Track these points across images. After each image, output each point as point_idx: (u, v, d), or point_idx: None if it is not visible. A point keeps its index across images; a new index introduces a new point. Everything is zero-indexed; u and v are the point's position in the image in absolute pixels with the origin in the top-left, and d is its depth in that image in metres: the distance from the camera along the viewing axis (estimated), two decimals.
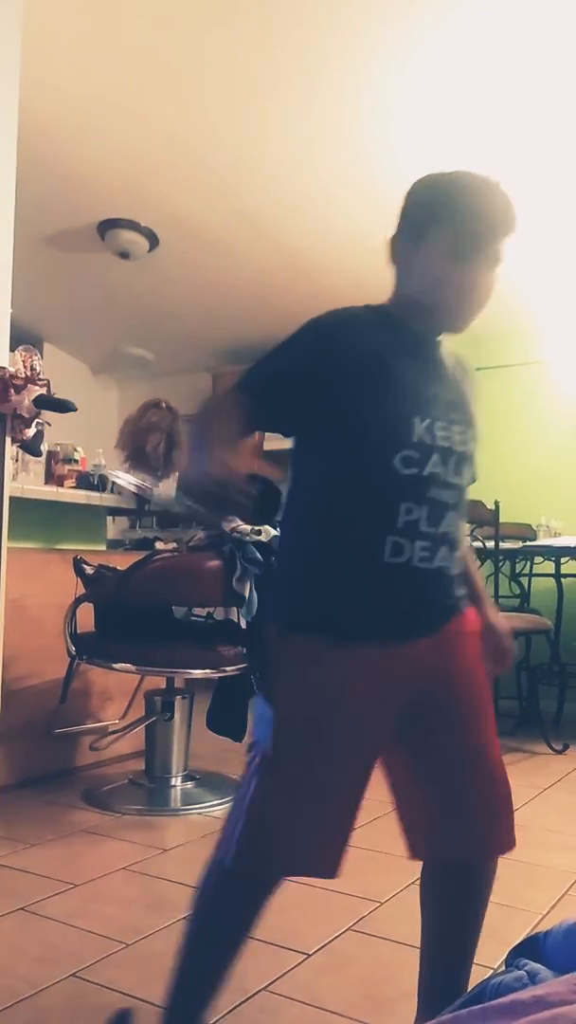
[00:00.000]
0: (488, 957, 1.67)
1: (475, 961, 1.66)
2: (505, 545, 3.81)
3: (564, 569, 4.28)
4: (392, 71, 2.93)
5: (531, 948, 0.75)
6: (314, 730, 1.20)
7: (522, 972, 0.68)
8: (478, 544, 3.88)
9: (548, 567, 4.27)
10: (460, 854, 1.33)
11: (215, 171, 3.50)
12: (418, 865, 2.22)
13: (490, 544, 3.70)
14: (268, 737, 1.21)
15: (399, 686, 1.23)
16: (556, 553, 4.06)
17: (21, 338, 3.54)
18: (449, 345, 1.34)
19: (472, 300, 1.26)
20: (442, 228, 1.24)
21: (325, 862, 1.24)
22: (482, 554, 3.96)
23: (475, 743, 1.29)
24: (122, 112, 3.23)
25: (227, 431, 1.20)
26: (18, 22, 2.42)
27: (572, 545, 3.94)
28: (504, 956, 1.25)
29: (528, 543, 4.14)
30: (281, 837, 1.22)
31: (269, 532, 2.92)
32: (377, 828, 2.55)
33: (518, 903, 2.00)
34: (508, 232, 1.26)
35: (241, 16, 2.72)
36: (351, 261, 4.28)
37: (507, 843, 1.34)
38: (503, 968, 0.77)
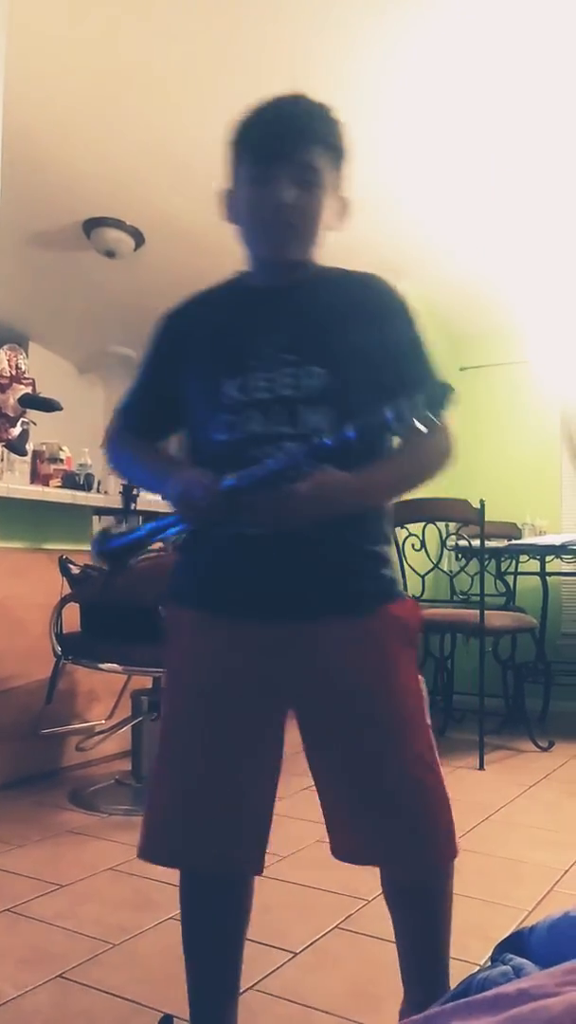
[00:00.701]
0: (473, 953, 1.68)
1: (461, 958, 1.67)
2: (490, 544, 3.82)
3: (549, 567, 4.31)
4: (375, 71, 2.93)
5: (516, 943, 0.76)
6: (172, 701, 1.22)
7: (507, 967, 0.68)
8: (464, 543, 3.90)
9: (533, 565, 4.29)
10: (360, 861, 1.25)
11: (199, 171, 3.49)
12: None
13: (476, 543, 3.71)
14: (163, 700, 1.29)
15: (263, 666, 1.16)
16: (541, 552, 4.08)
17: (6, 337, 3.53)
18: (326, 274, 1.22)
19: (280, 220, 1.13)
20: (238, 157, 1.17)
21: (218, 855, 1.19)
22: (468, 553, 3.97)
23: (367, 752, 1.17)
24: (106, 112, 3.22)
25: (143, 450, 1.27)
26: (2, 23, 2.41)
27: (557, 544, 3.97)
28: (490, 952, 1.26)
29: (513, 542, 4.16)
30: (154, 822, 1.20)
31: None
32: None
33: (504, 899, 2.01)
34: (305, 140, 1.14)
35: (222, 18, 2.72)
36: (334, 260, 4.29)
37: (419, 860, 1.21)
38: (489, 964, 0.77)
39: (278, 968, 1.64)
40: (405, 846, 1.19)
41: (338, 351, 1.15)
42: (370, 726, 1.16)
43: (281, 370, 1.13)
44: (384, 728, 1.16)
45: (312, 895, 2.02)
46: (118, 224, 4.05)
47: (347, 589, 1.15)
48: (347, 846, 1.22)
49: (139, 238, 4.12)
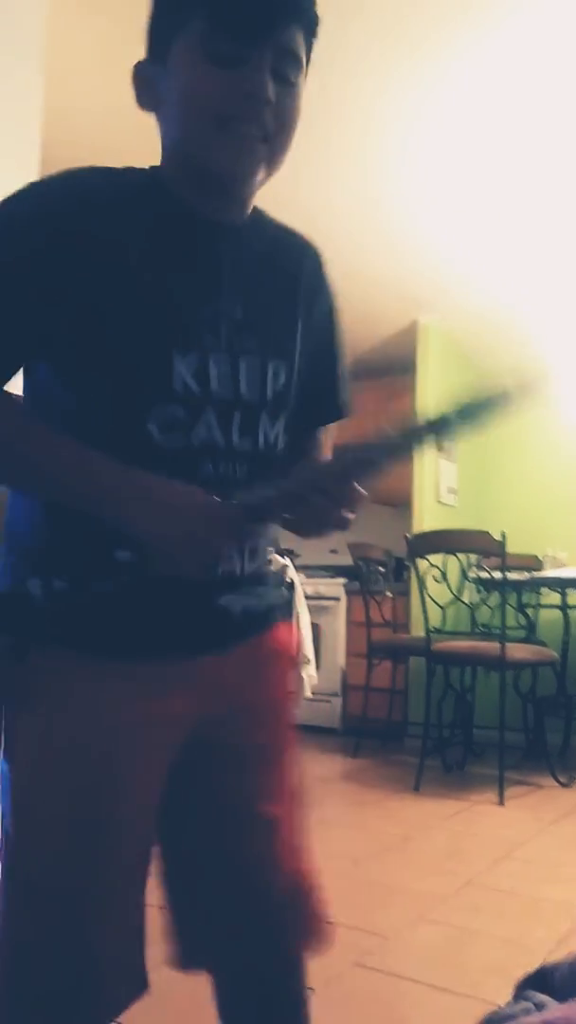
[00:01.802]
0: (493, 993, 1.65)
1: (480, 996, 1.64)
2: (511, 576, 3.80)
3: (570, 600, 4.27)
4: (401, 111, 2.99)
5: (539, 981, 0.76)
6: (62, 782, 0.80)
7: (529, 1004, 0.68)
8: (485, 575, 3.89)
9: (555, 598, 4.26)
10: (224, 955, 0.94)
11: None
12: (425, 899, 2.21)
13: (496, 575, 3.70)
14: (4, 805, 0.81)
15: (176, 721, 0.85)
16: (562, 584, 4.06)
17: None
18: (261, 228, 0.91)
19: (248, 119, 0.79)
20: (190, 19, 0.78)
21: (120, 990, 0.83)
22: (489, 585, 3.96)
23: (261, 810, 0.92)
24: (142, 152, 3.29)
25: (45, 435, 0.80)
26: (41, 64, 2.48)
27: None
28: (510, 992, 1.25)
29: (534, 574, 4.14)
30: (61, 974, 0.79)
31: (277, 560, 2.93)
32: (382, 861, 2.54)
33: (524, 938, 1.98)
34: (292, 13, 0.80)
35: None
36: (359, 293, 4.34)
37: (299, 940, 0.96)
38: (511, 1002, 0.77)
39: None
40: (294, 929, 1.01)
41: (295, 344, 0.91)
42: (281, 773, 1.00)
43: (243, 360, 0.84)
44: (286, 774, 1.01)
45: (329, 930, 2.00)
46: None
47: (260, 605, 0.93)
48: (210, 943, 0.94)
49: None
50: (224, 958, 0.93)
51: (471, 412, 0.82)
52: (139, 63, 0.84)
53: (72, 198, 0.79)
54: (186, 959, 0.91)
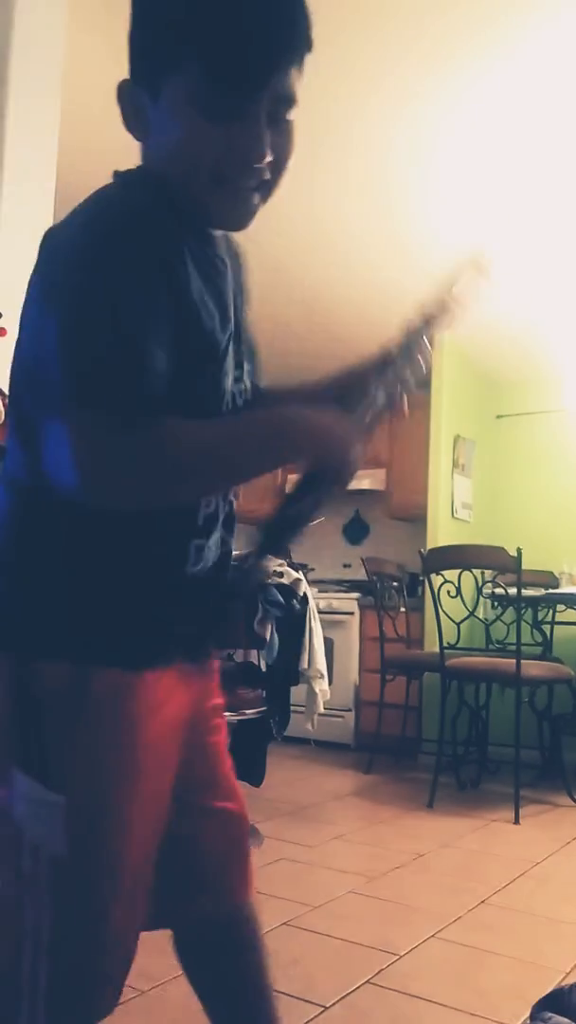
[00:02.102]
0: (508, 1015, 1.63)
1: (495, 1018, 1.62)
2: (527, 592, 3.78)
3: None
4: (419, 122, 3.00)
5: (556, 1002, 0.75)
6: (115, 812, 0.83)
7: None
8: (500, 591, 3.87)
9: (571, 615, 4.23)
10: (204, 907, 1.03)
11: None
12: (442, 918, 2.19)
13: (512, 591, 3.68)
14: (52, 837, 0.81)
15: (186, 719, 0.93)
16: None
17: None
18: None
19: (246, 175, 0.79)
20: (183, 64, 0.75)
21: (118, 988, 0.90)
22: (504, 601, 3.94)
23: (216, 795, 1.02)
24: None
25: (207, 425, 0.82)
26: (58, 81, 2.52)
27: None
28: (526, 1014, 1.23)
29: (550, 591, 4.12)
30: (107, 970, 0.87)
31: (291, 575, 2.93)
32: (396, 878, 2.52)
33: (540, 959, 1.95)
34: (290, 53, 0.77)
35: None
36: (372, 306, 4.35)
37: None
38: (527, 1023, 0.76)
39: (308, 1022, 1.61)
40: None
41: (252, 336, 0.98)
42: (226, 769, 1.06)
43: (243, 370, 0.91)
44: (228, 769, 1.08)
45: (343, 947, 1.98)
46: None
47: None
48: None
49: None
50: (183, 913, 1.02)
51: (439, 308, 0.93)
52: (126, 86, 0.81)
53: (160, 228, 0.77)
54: (150, 921, 0.96)
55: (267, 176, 0.80)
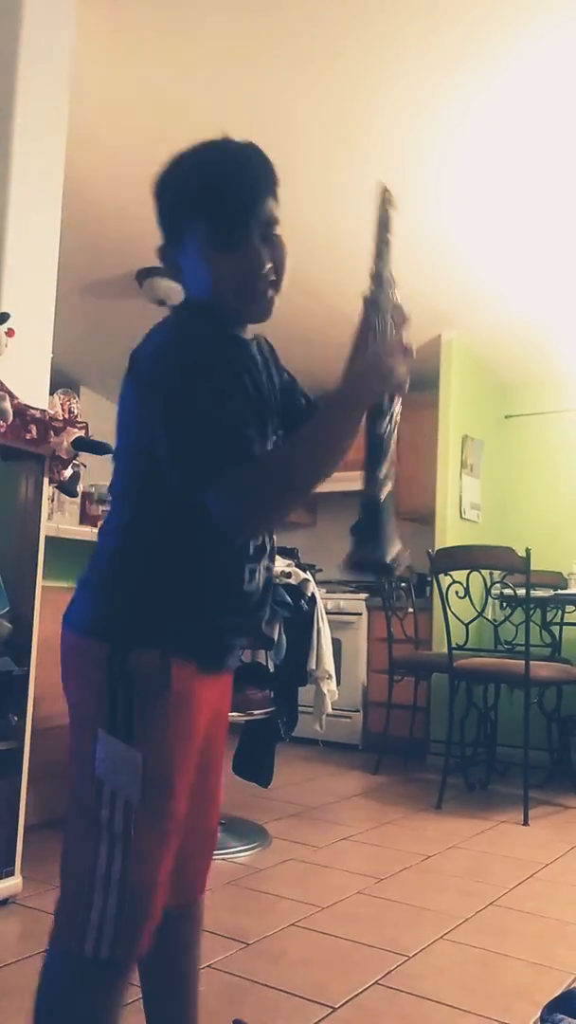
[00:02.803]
0: (518, 1017, 1.62)
1: (505, 1020, 1.62)
2: (536, 593, 3.77)
3: None
4: (423, 122, 3.00)
5: (567, 1004, 0.74)
6: (176, 770, 1.07)
7: None
8: (508, 591, 3.86)
9: None
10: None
11: None
12: (450, 919, 2.18)
13: (521, 592, 3.67)
14: (130, 784, 1.03)
15: (207, 718, 1.15)
16: None
17: (59, 382, 3.62)
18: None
19: (258, 286, 1.08)
20: (195, 221, 1.07)
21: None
22: (513, 602, 3.92)
23: (212, 791, 1.24)
24: (160, 164, 3.33)
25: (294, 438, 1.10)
26: (66, 80, 2.53)
27: None
28: (536, 1015, 1.22)
29: (559, 591, 4.10)
30: (157, 903, 1.06)
31: (299, 575, 2.93)
32: (404, 879, 2.51)
33: (550, 961, 1.95)
34: (264, 192, 1.09)
35: (273, 72, 2.81)
36: None
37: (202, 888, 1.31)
38: None
39: (316, 1023, 1.61)
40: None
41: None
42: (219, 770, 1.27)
43: (276, 433, 1.17)
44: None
45: (352, 949, 1.98)
46: (160, 272, 4.17)
47: None
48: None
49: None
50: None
51: (383, 226, 1.16)
52: (162, 247, 1.12)
53: (210, 338, 1.07)
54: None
55: (272, 278, 1.09)
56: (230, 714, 2.83)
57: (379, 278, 1.13)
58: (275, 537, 1.21)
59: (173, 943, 1.24)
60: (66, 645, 1.12)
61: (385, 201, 1.17)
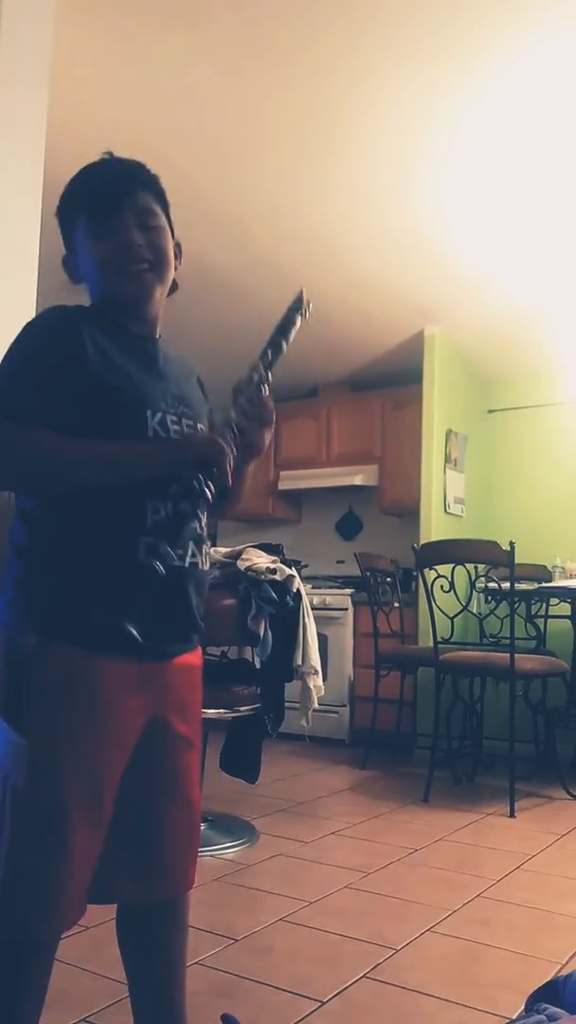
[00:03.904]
0: (504, 1007, 1.64)
1: (491, 1011, 1.63)
2: (520, 586, 3.79)
3: None
4: (412, 122, 3.00)
5: (551, 993, 0.75)
6: (70, 753, 1.10)
7: (542, 1016, 0.67)
8: (493, 585, 3.87)
9: (564, 609, 4.24)
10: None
11: (235, 219, 3.58)
12: (437, 912, 2.19)
13: (505, 585, 3.68)
14: (15, 770, 1.09)
15: (142, 708, 1.18)
16: (572, 595, 4.04)
17: None
18: (168, 345, 1.31)
19: (132, 261, 1.20)
20: (77, 220, 1.23)
21: (77, 910, 1.15)
22: (497, 595, 3.94)
23: (182, 785, 1.25)
24: (144, 162, 3.32)
25: (86, 442, 1.12)
26: (44, 78, 2.51)
27: None
28: (522, 1006, 1.23)
29: (543, 584, 4.13)
30: (50, 885, 1.10)
31: (284, 571, 2.93)
32: (391, 873, 2.52)
33: (536, 952, 1.96)
34: (134, 186, 1.23)
35: (260, 67, 2.80)
36: (365, 303, 4.35)
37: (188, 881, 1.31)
38: (523, 1014, 0.76)
39: (305, 1017, 1.61)
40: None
41: (203, 414, 1.31)
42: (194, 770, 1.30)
43: (183, 420, 1.23)
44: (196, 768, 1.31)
45: (339, 942, 1.99)
46: None
47: (197, 620, 1.26)
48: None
49: (173, 284, 4.21)
50: (128, 893, 1.24)
51: (282, 329, 1.24)
52: (64, 256, 1.28)
53: (67, 319, 1.18)
54: (93, 895, 1.18)
55: (151, 258, 1.22)
56: (216, 711, 2.84)
57: (251, 375, 1.21)
58: (203, 524, 1.24)
59: (149, 937, 1.28)
60: None
61: (299, 308, 1.25)
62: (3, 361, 1.15)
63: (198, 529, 1.22)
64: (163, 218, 1.26)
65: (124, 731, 1.16)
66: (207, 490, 1.10)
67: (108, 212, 1.20)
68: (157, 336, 1.29)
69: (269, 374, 1.21)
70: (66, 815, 1.09)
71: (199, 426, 1.26)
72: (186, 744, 1.25)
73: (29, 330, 1.18)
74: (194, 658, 1.28)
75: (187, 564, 1.19)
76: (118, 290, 1.22)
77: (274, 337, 1.23)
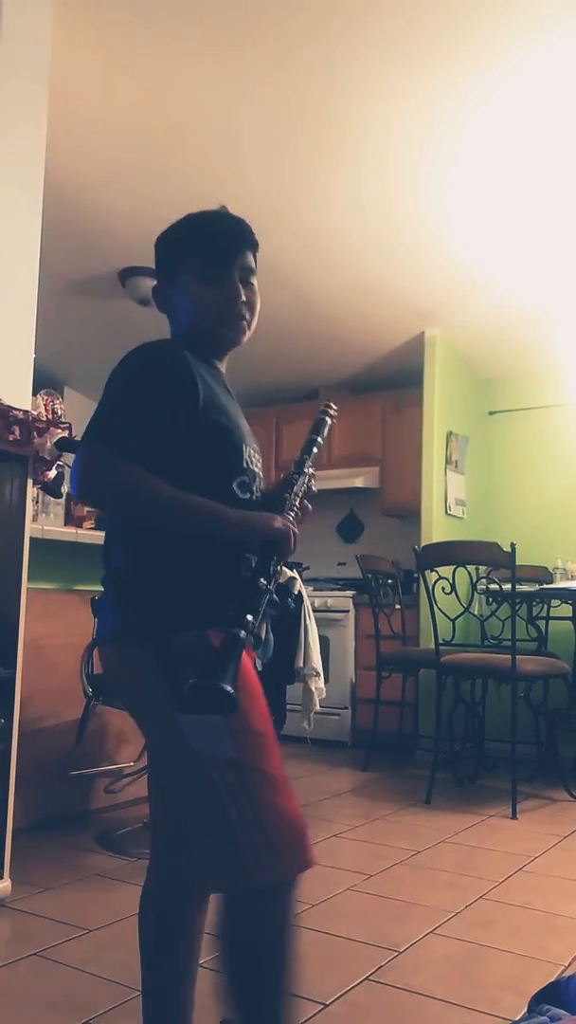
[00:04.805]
0: (507, 1008, 1.63)
1: (494, 1013, 1.63)
2: (522, 588, 3.79)
3: None
4: (415, 126, 3.01)
5: (554, 994, 0.75)
6: (263, 720, 1.24)
7: (544, 1018, 0.67)
8: (494, 587, 3.87)
9: (565, 610, 4.24)
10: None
11: None
12: (440, 914, 2.19)
13: (507, 587, 3.68)
14: (225, 743, 1.18)
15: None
16: (573, 596, 4.04)
17: (43, 383, 3.61)
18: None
19: (234, 314, 1.33)
20: (187, 260, 1.33)
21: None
22: (498, 596, 3.94)
23: None
24: (145, 166, 3.32)
25: (155, 485, 1.20)
26: (44, 78, 2.51)
27: None
28: (524, 1007, 1.23)
29: (544, 586, 4.12)
30: (296, 825, 1.23)
31: (285, 573, 2.93)
32: (394, 875, 2.52)
33: (539, 953, 1.96)
34: (246, 245, 1.35)
35: (263, 75, 2.81)
36: (366, 305, 4.35)
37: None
38: (526, 1015, 0.76)
39: (308, 1020, 1.61)
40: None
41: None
42: None
43: (256, 454, 1.37)
44: None
45: (342, 945, 1.99)
46: (154, 273, 4.15)
47: None
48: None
49: None
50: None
51: (316, 431, 1.44)
52: (156, 287, 1.39)
53: (174, 355, 1.26)
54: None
55: (247, 313, 1.34)
56: None
57: (299, 467, 1.38)
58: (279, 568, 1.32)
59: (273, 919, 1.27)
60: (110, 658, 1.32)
61: (326, 412, 1.47)
62: (118, 390, 1.23)
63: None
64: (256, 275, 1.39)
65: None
66: (272, 568, 1.24)
67: (221, 263, 1.31)
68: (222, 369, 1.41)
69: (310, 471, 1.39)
70: (276, 769, 1.21)
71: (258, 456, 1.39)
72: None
73: (147, 363, 1.25)
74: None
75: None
76: (216, 333, 1.34)
77: (312, 437, 1.43)
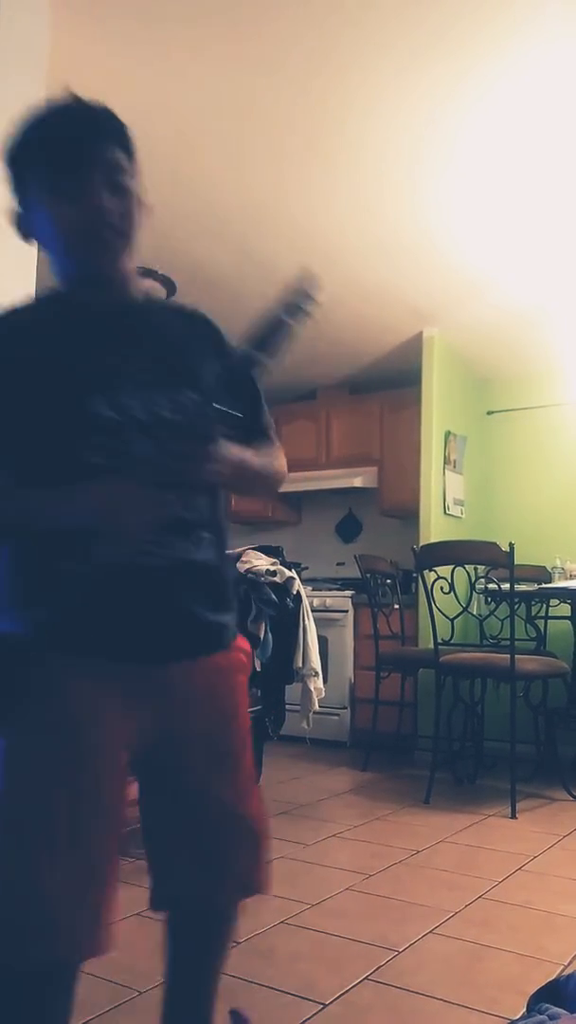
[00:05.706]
0: (506, 1008, 1.63)
1: (493, 1012, 1.63)
2: (520, 587, 3.79)
3: None
4: (412, 125, 3.01)
5: (552, 993, 0.75)
6: (19, 766, 1.02)
7: (543, 1017, 0.67)
8: (493, 586, 3.87)
9: (564, 610, 4.24)
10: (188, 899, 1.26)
11: (233, 222, 3.58)
12: (439, 913, 2.19)
13: (505, 586, 3.68)
14: None
15: (122, 715, 1.07)
16: (572, 596, 4.04)
17: None
18: (160, 299, 1.19)
19: (104, 227, 1.06)
20: (31, 170, 1.07)
21: (79, 935, 1.05)
22: (497, 596, 3.94)
23: (209, 791, 1.18)
24: (145, 166, 3.32)
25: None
26: (41, 75, 2.51)
27: None
28: (523, 1007, 1.23)
29: (543, 585, 4.13)
30: (45, 909, 1.01)
31: (284, 573, 2.93)
32: (393, 875, 2.52)
33: (538, 953, 1.96)
34: (103, 137, 1.07)
35: (256, 73, 2.81)
36: (364, 305, 4.35)
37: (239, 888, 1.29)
38: (525, 1014, 0.76)
39: (307, 1020, 1.61)
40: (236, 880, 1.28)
41: (204, 378, 1.10)
42: (224, 765, 1.23)
43: (153, 391, 1.07)
44: (231, 766, 1.23)
45: (341, 945, 1.99)
46: (150, 273, 4.15)
47: (208, 619, 1.14)
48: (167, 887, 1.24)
49: (171, 286, 4.22)
50: (182, 899, 1.24)
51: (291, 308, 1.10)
52: (15, 212, 1.12)
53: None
54: (154, 902, 1.22)
55: (118, 225, 1.07)
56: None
57: (262, 346, 1.08)
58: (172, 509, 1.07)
59: (176, 942, 1.27)
60: None
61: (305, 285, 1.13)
62: None
63: (191, 519, 1.09)
64: (132, 175, 1.10)
65: (107, 732, 1.07)
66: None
67: (72, 168, 1.04)
68: (129, 302, 1.15)
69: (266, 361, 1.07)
70: (45, 830, 1.00)
71: (190, 395, 1.08)
72: (214, 746, 1.21)
73: None
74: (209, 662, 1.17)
75: (164, 562, 1.06)
76: (76, 258, 1.09)
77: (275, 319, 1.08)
